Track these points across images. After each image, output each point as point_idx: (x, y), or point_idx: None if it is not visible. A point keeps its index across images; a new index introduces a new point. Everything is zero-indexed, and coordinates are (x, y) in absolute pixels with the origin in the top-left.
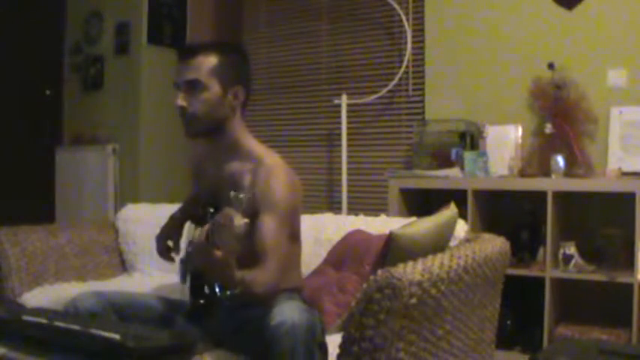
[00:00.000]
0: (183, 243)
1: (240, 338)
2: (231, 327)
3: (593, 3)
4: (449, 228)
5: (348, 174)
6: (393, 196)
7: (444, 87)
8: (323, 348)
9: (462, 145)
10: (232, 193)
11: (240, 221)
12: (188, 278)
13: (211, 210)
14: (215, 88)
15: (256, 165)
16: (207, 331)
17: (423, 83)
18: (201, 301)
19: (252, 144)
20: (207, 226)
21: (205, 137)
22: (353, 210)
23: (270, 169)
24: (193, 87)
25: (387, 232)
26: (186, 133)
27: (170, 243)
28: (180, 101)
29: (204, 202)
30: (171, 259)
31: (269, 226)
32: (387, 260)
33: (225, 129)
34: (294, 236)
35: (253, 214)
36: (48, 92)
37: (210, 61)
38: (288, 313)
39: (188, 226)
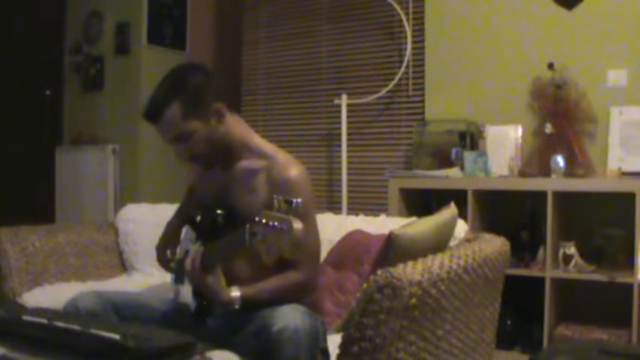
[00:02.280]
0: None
1: (241, 339)
2: (233, 327)
3: (593, 3)
4: (449, 228)
5: (348, 174)
6: (393, 196)
7: (444, 87)
8: (325, 354)
9: (462, 145)
10: (280, 198)
11: (299, 225)
12: (186, 280)
13: (219, 212)
14: (197, 125)
15: (268, 163)
16: (208, 331)
17: (423, 83)
18: (204, 302)
19: (260, 142)
20: (199, 250)
21: (218, 160)
22: (353, 210)
23: (285, 165)
24: (181, 139)
25: (387, 232)
26: (203, 168)
27: (169, 252)
28: (183, 155)
29: (209, 205)
30: (172, 269)
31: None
32: (387, 260)
33: (227, 141)
34: None
35: None
36: (48, 92)
37: (176, 110)
38: (290, 317)
39: (185, 230)
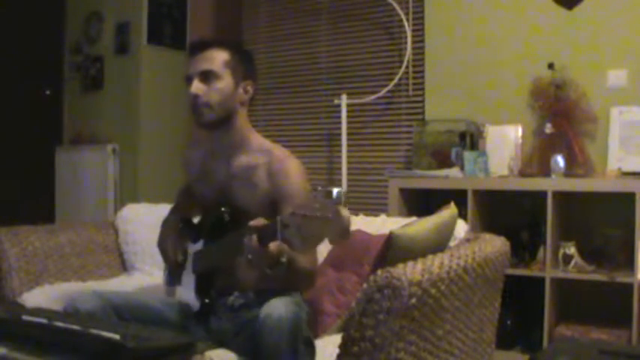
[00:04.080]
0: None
1: (241, 339)
2: (233, 328)
3: (593, 3)
4: (449, 228)
5: (348, 174)
6: (393, 196)
7: (444, 87)
8: (309, 343)
9: (462, 145)
10: (321, 189)
11: (347, 212)
12: (183, 281)
13: (224, 209)
14: (228, 79)
15: (268, 158)
16: (209, 331)
17: (423, 83)
18: (207, 301)
19: (259, 139)
20: (252, 233)
21: (214, 129)
22: (353, 210)
23: (283, 160)
24: (207, 77)
25: (387, 232)
26: (197, 122)
27: (178, 252)
28: (195, 89)
29: (211, 202)
30: (182, 268)
31: None
32: (387, 260)
33: (234, 123)
34: None
35: (271, 206)
36: (48, 92)
37: (223, 54)
38: (275, 306)
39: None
